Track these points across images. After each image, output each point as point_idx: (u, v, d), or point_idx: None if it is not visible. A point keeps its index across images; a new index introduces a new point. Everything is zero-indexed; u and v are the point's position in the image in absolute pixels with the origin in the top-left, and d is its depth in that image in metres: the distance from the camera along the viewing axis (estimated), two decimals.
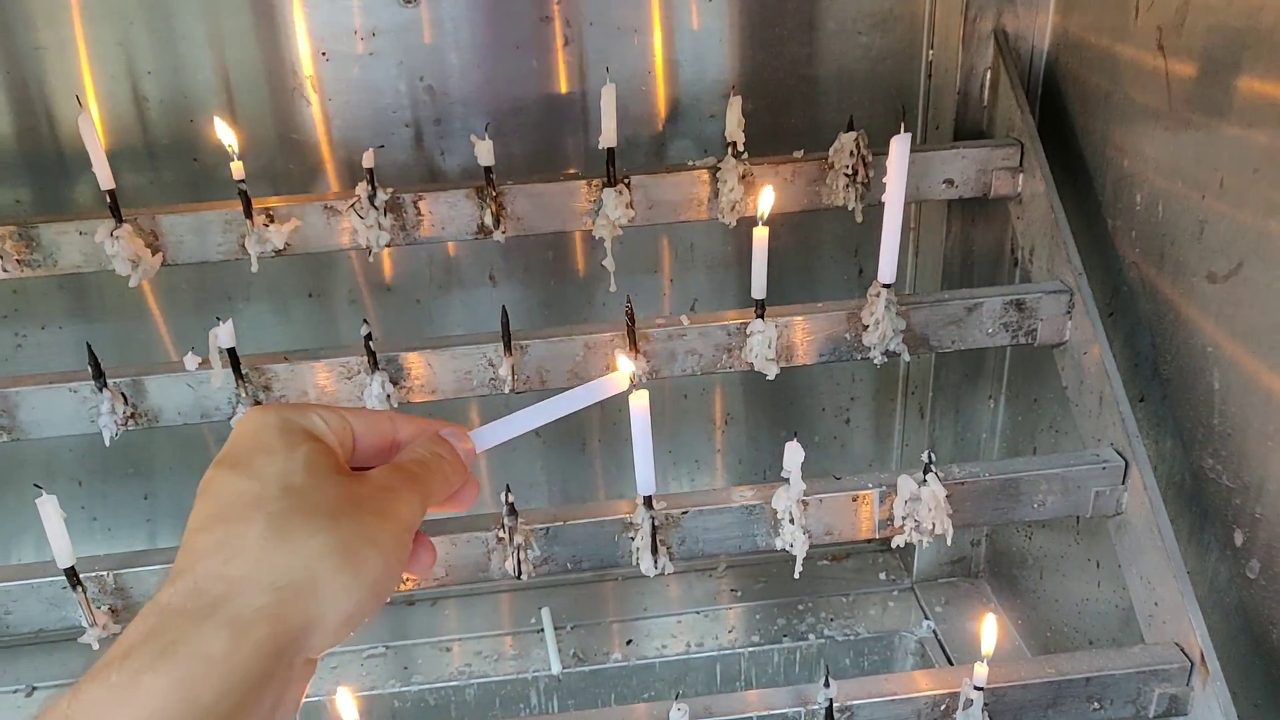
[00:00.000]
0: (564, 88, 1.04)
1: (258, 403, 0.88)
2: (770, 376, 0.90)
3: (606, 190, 0.92)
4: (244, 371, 0.86)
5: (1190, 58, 0.81)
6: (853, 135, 0.92)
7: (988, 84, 1.02)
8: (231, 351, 0.84)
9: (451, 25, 1.01)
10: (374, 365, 0.86)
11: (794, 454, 0.81)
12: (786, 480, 0.82)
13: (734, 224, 0.95)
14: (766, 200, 0.83)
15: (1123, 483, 0.86)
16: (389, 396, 0.87)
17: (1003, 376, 1.15)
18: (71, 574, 0.76)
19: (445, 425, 0.49)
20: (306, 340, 1.13)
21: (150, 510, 1.21)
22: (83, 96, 1.00)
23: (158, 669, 0.35)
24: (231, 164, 0.87)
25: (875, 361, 0.91)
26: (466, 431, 0.49)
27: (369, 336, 0.85)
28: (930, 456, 0.82)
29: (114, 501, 1.19)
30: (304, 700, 0.41)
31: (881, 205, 0.85)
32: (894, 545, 0.86)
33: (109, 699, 0.35)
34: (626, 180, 0.93)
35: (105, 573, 0.79)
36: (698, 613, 1.25)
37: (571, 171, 1.07)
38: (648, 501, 0.81)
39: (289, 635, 0.38)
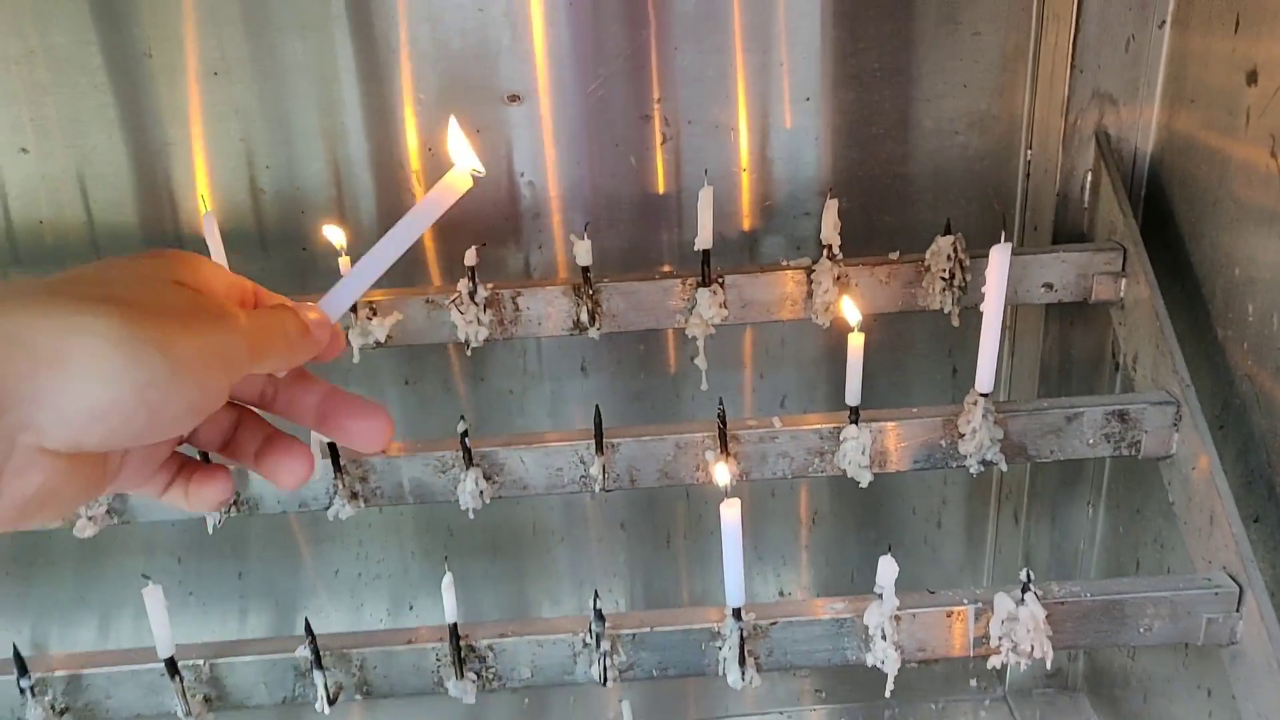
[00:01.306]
0: (660, 185, 1.06)
1: (354, 494, 0.90)
2: (863, 484, 0.88)
3: (701, 290, 0.93)
4: (343, 464, 0.88)
5: None
6: (950, 239, 0.91)
7: (1088, 186, 1.01)
8: (332, 445, 0.86)
9: (553, 122, 1.04)
10: (469, 461, 0.88)
11: (888, 568, 0.79)
12: (879, 595, 0.80)
13: (828, 325, 0.94)
14: (853, 313, 0.82)
15: (1237, 610, 0.81)
16: (482, 493, 0.88)
17: (1103, 484, 1.11)
18: (171, 664, 0.78)
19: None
20: (401, 426, 1.15)
21: (243, 588, 1.23)
22: (205, 190, 1.05)
23: None
24: (340, 259, 0.91)
25: (971, 471, 0.89)
26: (314, 304, 0.44)
27: (465, 434, 0.86)
28: (1028, 575, 0.80)
29: (209, 579, 1.23)
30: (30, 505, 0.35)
31: (977, 307, 0.84)
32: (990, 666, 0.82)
33: None
34: (720, 280, 0.94)
35: (202, 661, 0.81)
36: (781, 713, 1.22)
37: (667, 269, 1.08)
38: (736, 613, 0.80)
39: (9, 382, 0.33)
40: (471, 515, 0.89)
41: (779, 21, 1.00)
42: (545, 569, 1.25)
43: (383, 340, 0.93)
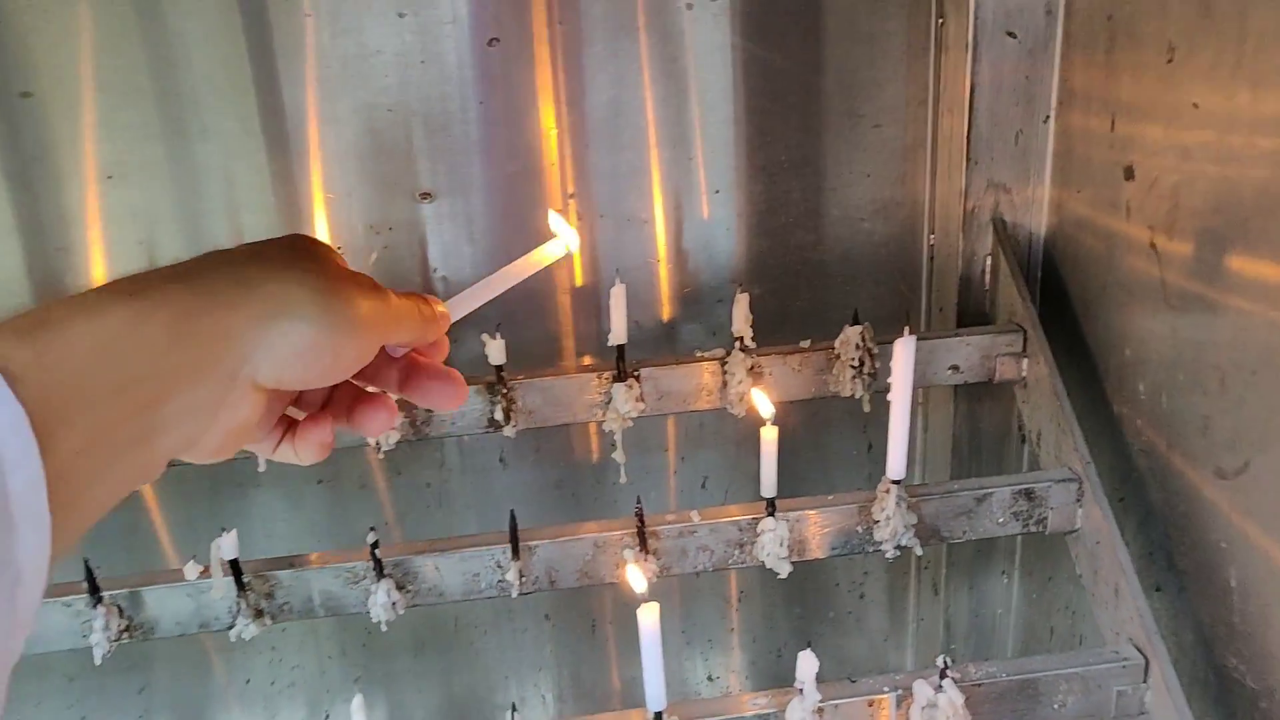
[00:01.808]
0: (577, 278, 1.07)
1: (259, 612, 0.87)
2: (782, 575, 0.89)
3: (616, 384, 0.94)
4: (246, 580, 0.86)
5: (1181, 258, 0.83)
6: (858, 329, 0.93)
7: (988, 269, 1.04)
8: (234, 562, 0.83)
9: (465, 219, 1.04)
10: (380, 572, 0.86)
11: (808, 664, 0.79)
12: (800, 690, 0.80)
13: (743, 414, 0.96)
14: (765, 406, 0.84)
15: (1144, 681, 0.83)
16: (394, 604, 0.86)
17: (1016, 554, 1.14)
18: None
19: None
20: (317, 527, 1.13)
21: (145, 704, 1.18)
22: None
23: (121, 302, 0.37)
24: None
25: (888, 556, 0.90)
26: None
27: (375, 545, 0.85)
28: (945, 661, 0.81)
29: (107, 697, 1.17)
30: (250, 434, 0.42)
31: (887, 392, 0.86)
32: None
33: (71, 311, 0.36)
34: (636, 373, 0.94)
35: None
36: None
37: (587, 361, 1.09)
38: (658, 717, 0.80)
39: (241, 327, 0.39)
40: (384, 628, 0.87)
41: (688, 118, 1.03)
42: (470, 663, 1.22)
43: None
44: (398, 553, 0.89)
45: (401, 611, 0.88)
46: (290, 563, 0.88)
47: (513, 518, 0.87)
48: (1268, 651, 0.78)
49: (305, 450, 0.47)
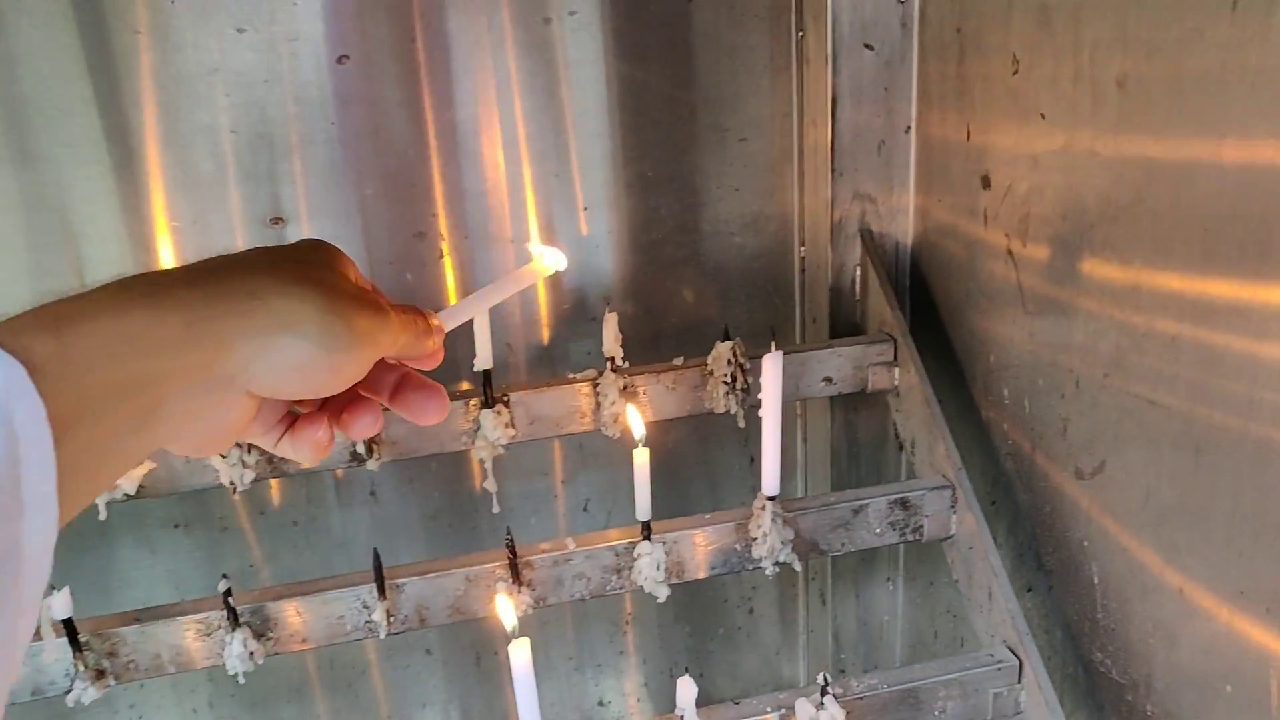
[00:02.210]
0: (446, 301, 1.04)
1: (100, 672, 0.81)
2: (660, 599, 0.87)
3: (484, 411, 0.90)
4: (83, 640, 0.79)
5: (1036, 264, 0.85)
6: (729, 345, 0.93)
7: (858, 279, 1.05)
8: (67, 622, 0.77)
9: None
10: (235, 622, 0.81)
11: (686, 690, 0.78)
12: (680, 717, 0.79)
13: (618, 436, 0.94)
14: (638, 427, 0.82)
15: (1019, 682, 0.85)
16: (252, 654, 0.81)
17: (900, 561, 1.15)
18: None
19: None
20: (177, 574, 1.06)
21: None
22: None
23: (139, 302, 0.38)
24: None
25: (767, 573, 0.89)
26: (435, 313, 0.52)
27: (228, 593, 0.80)
28: (825, 678, 0.80)
29: None
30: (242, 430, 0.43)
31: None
32: None
33: (86, 307, 0.37)
34: (505, 399, 0.92)
35: None
36: None
37: (464, 386, 1.05)
38: None
39: (245, 336, 0.40)
40: (241, 679, 0.82)
41: (555, 135, 1.01)
42: (351, 704, 1.17)
43: (132, 494, 0.85)
44: (254, 599, 0.84)
45: (261, 661, 0.83)
46: (135, 618, 0.82)
47: (376, 556, 0.83)
48: (1130, 645, 0.80)
49: (302, 449, 0.48)
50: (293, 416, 0.48)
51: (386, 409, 0.50)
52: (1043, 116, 0.80)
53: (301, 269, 0.43)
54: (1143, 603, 0.77)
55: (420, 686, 1.17)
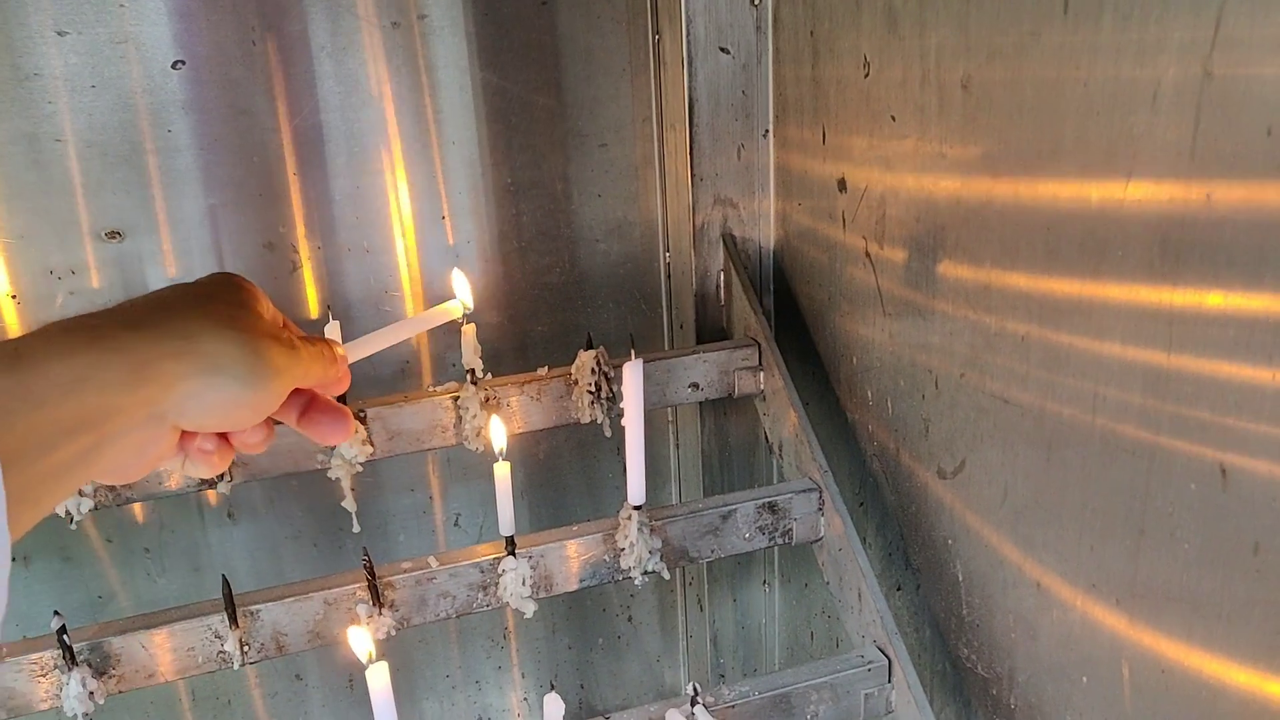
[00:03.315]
0: (304, 314, 1.00)
1: None
2: (528, 614, 0.85)
3: None
4: None
5: (893, 266, 0.85)
6: (592, 353, 0.91)
7: (722, 284, 1.05)
8: None
9: (163, 259, 0.94)
10: (71, 660, 0.76)
11: (553, 707, 0.75)
12: None
13: (480, 450, 0.91)
14: (499, 437, 0.80)
15: (889, 681, 0.85)
16: (92, 694, 0.76)
17: (775, 563, 1.15)
18: None
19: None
20: (17, 613, 0.99)
21: None
22: None
23: (85, 346, 0.41)
24: None
25: (636, 583, 0.88)
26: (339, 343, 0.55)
27: (63, 629, 0.75)
28: (695, 687, 0.79)
29: None
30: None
31: None
32: None
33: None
34: (361, 414, 0.88)
35: None
36: None
37: None
38: None
39: (181, 376, 0.43)
40: None
41: (415, 141, 0.98)
42: None
43: None
44: (94, 635, 0.78)
45: (102, 701, 0.78)
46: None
47: (225, 582, 0.78)
48: (994, 640, 0.81)
49: (198, 465, 0.50)
50: (187, 442, 0.49)
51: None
52: (893, 119, 0.80)
53: (226, 310, 0.47)
54: (1004, 597, 0.79)
55: (292, 713, 1.12)
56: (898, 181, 0.82)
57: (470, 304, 0.58)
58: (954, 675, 0.87)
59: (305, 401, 0.53)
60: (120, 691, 0.79)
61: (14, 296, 0.91)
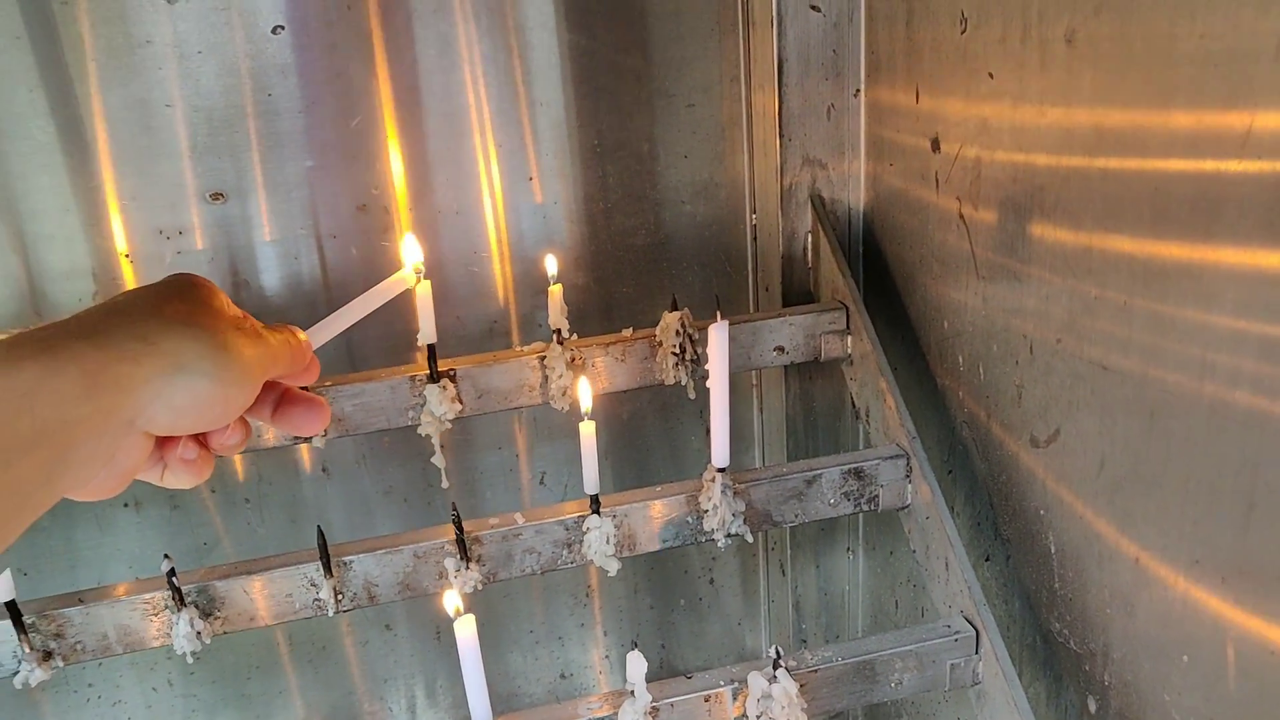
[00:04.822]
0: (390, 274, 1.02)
1: (47, 653, 0.80)
2: (611, 572, 0.86)
3: (430, 386, 0.89)
4: (29, 621, 0.78)
5: (987, 228, 0.83)
6: (677, 315, 0.91)
7: (810, 246, 1.03)
8: (11, 604, 0.76)
9: (261, 219, 0.97)
10: (180, 601, 0.80)
11: (636, 665, 0.76)
12: (631, 692, 0.78)
13: (566, 409, 0.92)
14: (586, 397, 0.80)
15: (976, 652, 0.84)
16: (199, 634, 0.80)
17: (859, 530, 1.14)
18: None
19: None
20: (129, 555, 1.05)
21: None
22: None
23: (31, 357, 0.40)
24: None
25: (719, 545, 0.88)
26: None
27: (171, 572, 0.78)
28: (778, 650, 0.79)
29: None
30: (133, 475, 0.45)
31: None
32: None
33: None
34: (451, 374, 0.90)
35: None
36: None
37: (407, 368, 1.03)
38: None
39: (142, 380, 0.42)
40: (190, 659, 0.81)
41: (505, 103, 0.98)
42: (311, 681, 1.16)
43: None
44: (200, 579, 0.82)
45: (208, 641, 0.82)
46: (79, 599, 0.81)
47: (320, 533, 0.81)
48: (1087, 615, 0.79)
49: (179, 474, 0.48)
50: (162, 451, 0.48)
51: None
52: (991, 76, 0.78)
53: (184, 308, 0.45)
54: (1099, 571, 0.77)
55: (382, 661, 1.16)
56: (994, 141, 0.80)
57: (422, 266, 0.57)
58: (1044, 649, 0.85)
59: (277, 395, 0.52)
60: (224, 633, 0.83)
61: (127, 255, 0.95)
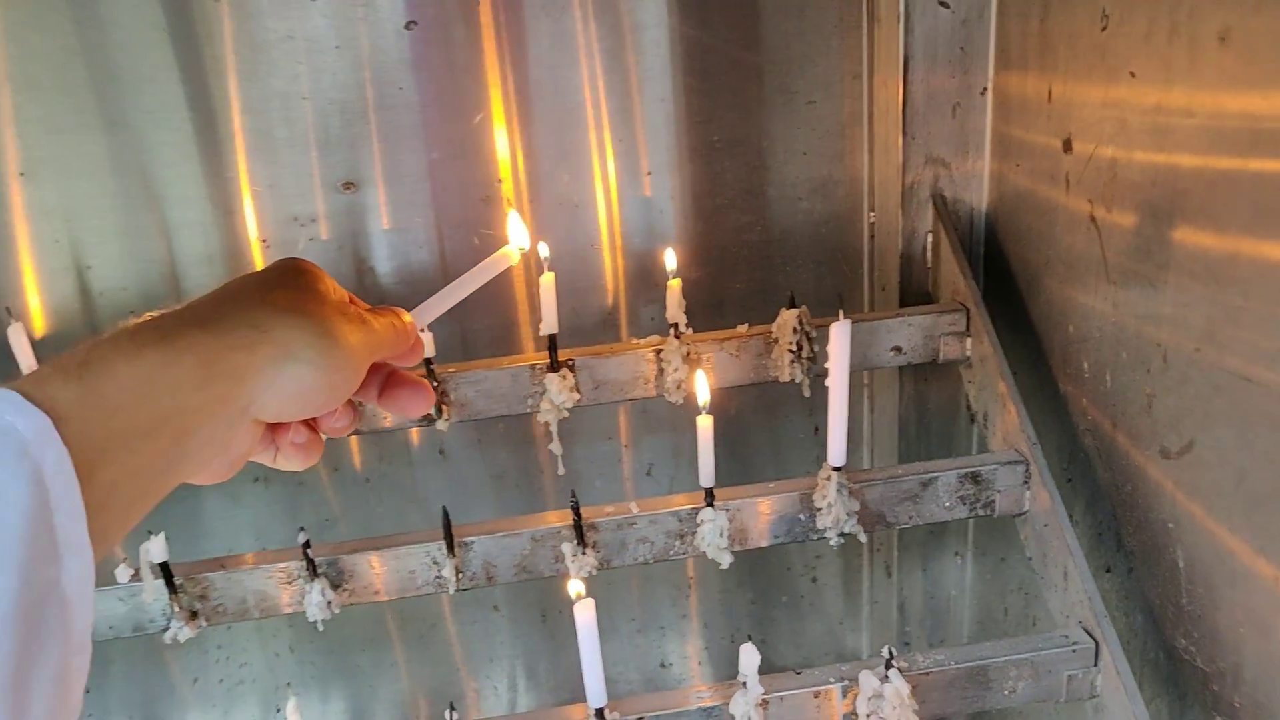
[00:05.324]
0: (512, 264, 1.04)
1: (193, 613, 0.85)
2: (724, 565, 0.87)
3: (549, 375, 0.91)
4: (178, 582, 0.83)
5: (1121, 232, 0.81)
6: (795, 312, 0.91)
7: (929, 246, 1.02)
8: (164, 565, 0.81)
9: (390, 208, 1.00)
10: (313, 572, 0.83)
11: (749, 657, 0.77)
12: (744, 683, 0.78)
13: (680, 402, 0.93)
14: (704, 390, 0.81)
15: (1095, 664, 0.82)
16: (330, 603, 0.84)
17: (969, 535, 1.13)
18: None
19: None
20: (256, 526, 1.10)
21: (95, 705, 1.15)
22: (20, 297, 0.98)
23: (152, 346, 0.41)
24: None
25: (831, 543, 0.88)
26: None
27: (307, 544, 0.82)
28: (891, 651, 0.79)
29: None
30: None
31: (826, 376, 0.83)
32: None
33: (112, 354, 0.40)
34: (570, 364, 0.91)
35: None
36: None
37: (528, 349, 1.06)
38: (599, 713, 0.78)
39: (254, 368, 0.43)
40: (320, 627, 0.85)
41: (622, 98, 0.99)
42: (421, 656, 1.20)
43: None
44: (330, 552, 0.86)
45: (337, 610, 0.85)
46: (221, 564, 0.86)
47: (445, 514, 0.84)
48: (1216, 633, 0.77)
49: (291, 457, 0.49)
50: (271, 436, 0.48)
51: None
52: (1133, 75, 0.76)
53: (292, 295, 0.46)
54: (1232, 590, 0.74)
55: (488, 642, 1.19)
56: (1133, 142, 0.77)
57: (526, 245, 0.56)
58: (1168, 665, 0.83)
59: (383, 377, 0.52)
60: (350, 604, 0.86)
61: (264, 241, 1.00)
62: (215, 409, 0.42)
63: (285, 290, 0.46)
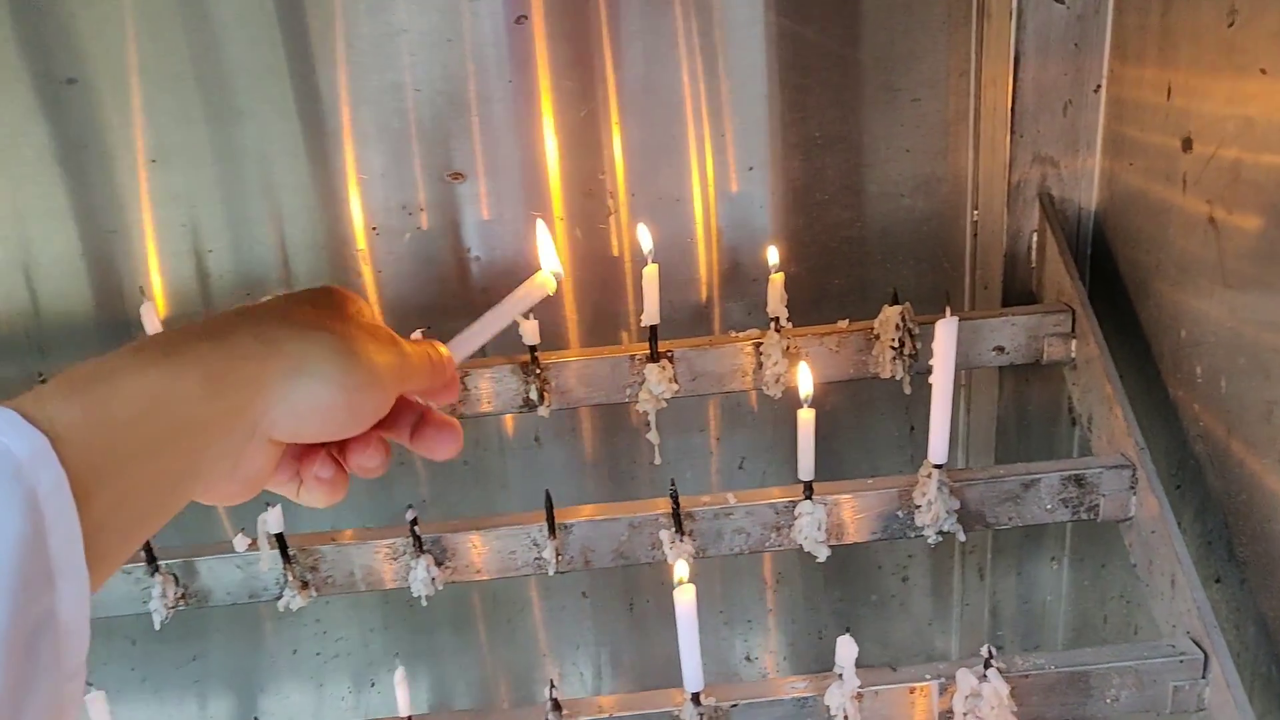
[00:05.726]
0: (612, 256, 1.06)
1: (305, 583, 0.88)
2: (820, 559, 0.87)
3: (649, 365, 0.92)
4: (292, 554, 0.87)
5: (1242, 234, 0.79)
6: (898, 309, 0.91)
7: (1035, 246, 1.01)
8: (279, 536, 0.85)
9: (496, 199, 1.03)
10: (419, 548, 0.86)
11: (847, 649, 0.77)
12: (840, 675, 0.78)
13: (779, 396, 0.93)
14: (806, 383, 0.82)
15: (1203, 676, 0.80)
16: (434, 580, 0.86)
17: (1066, 540, 1.11)
18: None
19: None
20: (355, 503, 1.13)
21: (199, 672, 1.20)
22: (146, 279, 1.04)
23: (157, 361, 0.40)
24: None
25: (929, 541, 0.88)
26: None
27: (414, 521, 0.85)
28: (990, 650, 0.79)
29: (163, 661, 1.20)
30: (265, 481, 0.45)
31: (928, 373, 0.83)
32: None
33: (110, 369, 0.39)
34: (669, 354, 0.93)
35: None
36: None
37: (624, 339, 1.08)
38: (695, 698, 0.79)
39: (265, 381, 0.41)
40: (424, 602, 0.87)
41: (722, 94, 1.00)
42: (509, 639, 1.23)
43: None
44: (436, 530, 0.88)
45: (440, 587, 0.88)
46: (331, 538, 0.89)
47: (548, 497, 0.86)
48: None
49: (313, 490, 0.48)
50: (297, 466, 0.47)
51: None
52: (1263, 72, 0.74)
53: (314, 313, 0.44)
54: None
55: (575, 627, 1.21)
56: (1260, 143, 0.75)
57: (560, 270, 0.53)
58: None
59: (417, 416, 0.50)
60: (451, 582, 0.89)
61: (374, 229, 1.03)
62: (224, 422, 0.41)
63: (307, 308, 0.45)
